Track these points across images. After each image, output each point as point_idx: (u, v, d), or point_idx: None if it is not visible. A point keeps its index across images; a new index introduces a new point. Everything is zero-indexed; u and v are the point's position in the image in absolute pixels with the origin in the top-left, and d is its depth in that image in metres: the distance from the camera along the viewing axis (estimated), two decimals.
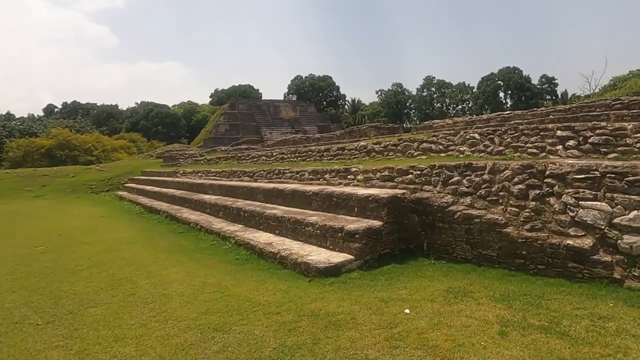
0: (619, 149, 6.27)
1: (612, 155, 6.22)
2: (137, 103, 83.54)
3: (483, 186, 6.46)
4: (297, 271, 6.60)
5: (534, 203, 5.79)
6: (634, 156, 5.95)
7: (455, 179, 6.88)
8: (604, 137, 6.50)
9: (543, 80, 68.90)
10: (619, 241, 4.92)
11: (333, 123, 56.48)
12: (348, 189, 8.29)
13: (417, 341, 3.88)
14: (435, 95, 75.80)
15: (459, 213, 6.41)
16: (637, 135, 6.20)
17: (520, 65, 71.80)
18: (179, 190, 17.99)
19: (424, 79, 76.08)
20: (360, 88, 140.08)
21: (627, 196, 5.04)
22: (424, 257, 6.78)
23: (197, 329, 4.51)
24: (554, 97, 66.50)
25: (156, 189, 21.01)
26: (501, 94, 68.13)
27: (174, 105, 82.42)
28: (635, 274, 4.77)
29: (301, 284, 6.01)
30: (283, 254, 7.07)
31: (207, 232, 10.46)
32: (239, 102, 53.29)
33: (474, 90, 71.24)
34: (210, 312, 4.99)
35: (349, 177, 9.21)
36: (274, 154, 16.70)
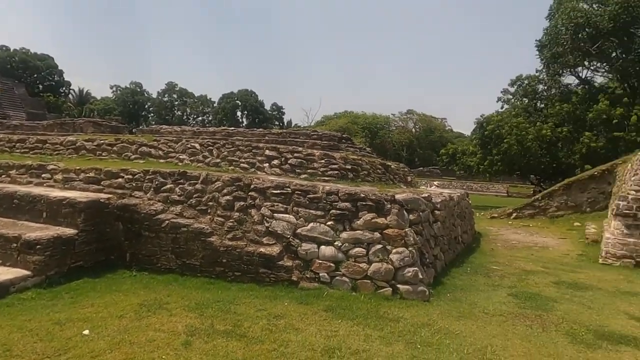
0: (309, 170, 7.51)
1: (303, 176, 7.38)
2: None
3: (195, 195, 6.50)
4: None
5: (238, 214, 6.20)
6: (317, 178, 7.22)
7: (168, 186, 6.68)
8: (299, 160, 7.67)
9: (274, 107, 78.17)
10: (299, 248, 5.80)
11: (52, 112, 47.03)
12: (38, 190, 6.83)
13: None
14: (177, 103, 74.51)
15: (167, 222, 6.21)
16: (322, 161, 7.59)
17: (257, 90, 79.38)
18: None
19: (166, 84, 73.63)
20: (92, 79, 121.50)
21: (307, 210, 6.01)
22: (125, 268, 6.23)
23: None
24: (281, 124, 76.29)
25: None
26: (239, 113, 73.22)
27: None
28: (308, 276, 5.70)
29: None
30: None
31: None
32: None
33: (214, 105, 73.80)
34: None
35: (43, 175, 7.63)
36: None
